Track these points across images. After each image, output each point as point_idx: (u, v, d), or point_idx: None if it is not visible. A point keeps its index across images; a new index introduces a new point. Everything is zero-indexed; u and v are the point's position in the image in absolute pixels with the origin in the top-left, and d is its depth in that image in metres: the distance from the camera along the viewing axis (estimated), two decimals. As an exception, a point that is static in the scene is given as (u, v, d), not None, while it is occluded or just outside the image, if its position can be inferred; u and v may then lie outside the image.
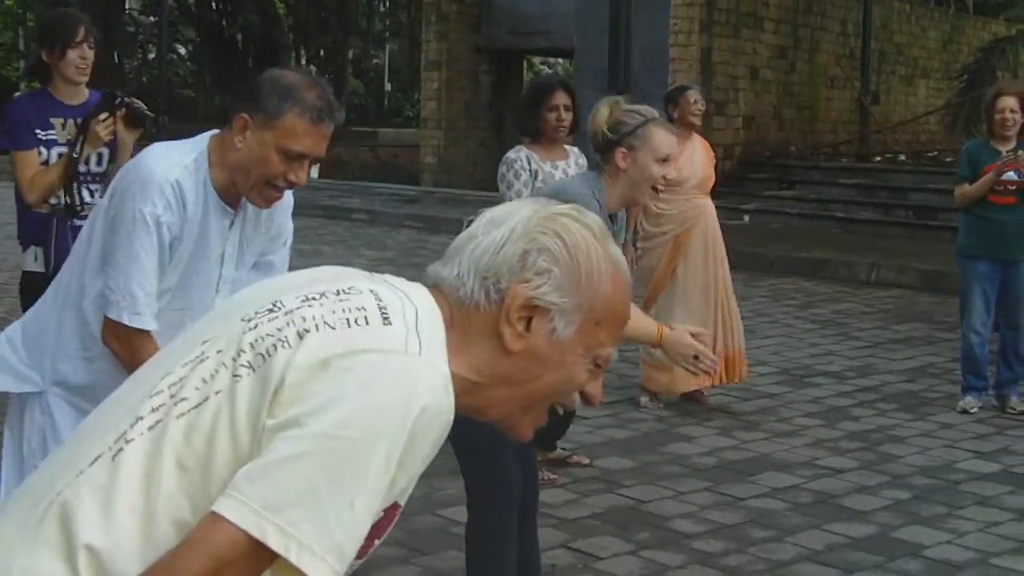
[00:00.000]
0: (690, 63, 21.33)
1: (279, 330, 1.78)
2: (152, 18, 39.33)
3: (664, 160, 4.39)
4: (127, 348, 3.62)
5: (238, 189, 3.62)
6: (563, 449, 7.07)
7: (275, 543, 1.64)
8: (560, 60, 37.75)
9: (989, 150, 8.43)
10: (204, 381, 1.77)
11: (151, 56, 41.11)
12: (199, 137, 3.75)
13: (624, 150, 4.39)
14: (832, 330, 11.60)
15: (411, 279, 1.97)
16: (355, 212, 21.07)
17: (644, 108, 4.52)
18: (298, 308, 1.81)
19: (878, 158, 23.54)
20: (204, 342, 1.84)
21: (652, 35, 21.73)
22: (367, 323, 1.77)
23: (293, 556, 1.64)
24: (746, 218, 19.17)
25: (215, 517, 1.66)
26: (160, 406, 1.78)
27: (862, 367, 9.93)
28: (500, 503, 4.39)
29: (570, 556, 5.71)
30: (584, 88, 18.24)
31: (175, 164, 3.63)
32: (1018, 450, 7.57)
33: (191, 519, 1.70)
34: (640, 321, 4.25)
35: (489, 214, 1.94)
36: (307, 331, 1.76)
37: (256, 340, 1.78)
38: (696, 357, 4.20)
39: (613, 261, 1.92)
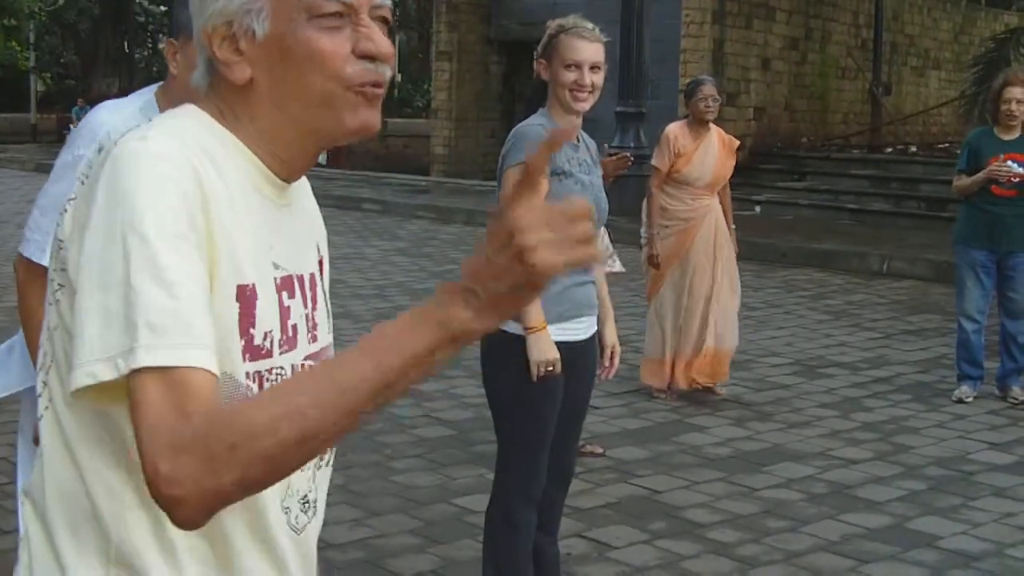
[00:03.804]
0: (702, 54, 21.33)
1: (59, 234, 1.75)
2: (162, 7, 39.35)
3: (572, 65, 4.39)
4: (31, 284, 3.59)
5: None
6: (577, 439, 7.07)
7: (135, 363, 1.56)
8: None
9: (992, 139, 8.41)
10: (48, 329, 1.76)
11: (161, 46, 41.10)
12: (145, 88, 3.81)
13: (544, 61, 4.50)
14: (845, 321, 11.58)
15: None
16: (366, 202, 21.06)
17: (567, 19, 4.54)
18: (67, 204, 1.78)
19: (889, 149, 23.51)
20: None
21: (664, 26, 21.69)
22: (102, 165, 1.72)
23: (141, 360, 1.56)
24: (758, 209, 19.15)
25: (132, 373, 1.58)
26: (45, 379, 1.77)
27: (875, 358, 9.91)
28: (521, 499, 4.42)
29: (585, 545, 5.71)
30: (596, 78, 18.21)
31: (115, 110, 3.71)
32: (1032, 441, 7.56)
33: (105, 434, 1.70)
34: (534, 304, 4.25)
35: None
36: (66, 210, 1.74)
37: (54, 261, 1.76)
38: (546, 373, 4.27)
39: None
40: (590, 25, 4.49)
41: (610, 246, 7.01)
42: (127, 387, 1.57)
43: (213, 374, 1.60)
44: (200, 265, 1.65)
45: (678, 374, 8.37)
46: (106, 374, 1.57)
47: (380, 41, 1.80)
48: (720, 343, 8.43)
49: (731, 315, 8.54)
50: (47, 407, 1.77)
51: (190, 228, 1.64)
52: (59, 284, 1.72)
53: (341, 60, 1.77)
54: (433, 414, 7.90)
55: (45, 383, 1.78)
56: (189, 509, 1.53)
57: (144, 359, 1.55)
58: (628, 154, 6.89)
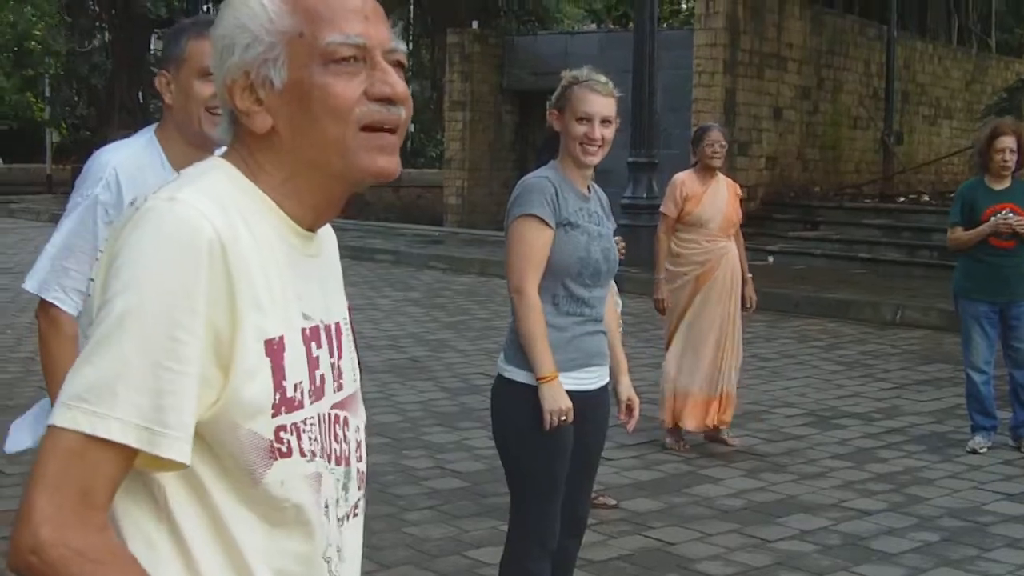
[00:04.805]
0: (713, 103, 21.40)
1: (90, 288, 1.79)
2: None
3: (583, 118, 4.45)
4: (47, 324, 3.68)
5: (192, 141, 3.66)
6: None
7: (87, 427, 1.63)
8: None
9: (985, 190, 8.42)
10: None
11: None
12: (145, 128, 3.92)
13: (556, 111, 4.55)
14: (858, 371, 11.56)
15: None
16: (379, 253, 21.11)
17: (582, 71, 4.58)
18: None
19: (902, 198, 23.54)
20: None
21: (675, 76, 21.79)
22: (128, 220, 1.76)
23: (116, 435, 1.64)
24: (770, 259, 19.16)
25: (49, 427, 1.67)
26: None
27: (889, 408, 9.89)
28: (535, 548, 4.43)
29: (598, 598, 5.70)
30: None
31: (118, 149, 3.81)
32: (1047, 492, 7.52)
33: (135, 480, 1.74)
34: (545, 354, 4.32)
35: None
36: (97, 259, 1.78)
37: (85, 315, 1.79)
38: (559, 422, 4.32)
39: None
40: (603, 79, 4.53)
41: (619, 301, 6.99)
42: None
43: (129, 450, 1.66)
44: (182, 351, 1.68)
45: (687, 415, 8.36)
46: (59, 420, 1.65)
47: (395, 83, 1.85)
48: (731, 387, 8.45)
49: (738, 358, 8.59)
50: None
51: (201, 312, 1.69)
52: (86, 337, 1.75)
53: (352, 103, 1.81)
54: (446, 466, 7.90)
55: None
56: (19, 569, 1.64)
57: (88, 425, 1.64)
58: (623, 245, 6.65)
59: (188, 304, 1.68)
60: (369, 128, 1.82)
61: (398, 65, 1.88)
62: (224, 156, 1.89)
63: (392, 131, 1.85)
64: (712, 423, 8.41)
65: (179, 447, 1.67)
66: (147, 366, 1.65)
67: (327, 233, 2.03)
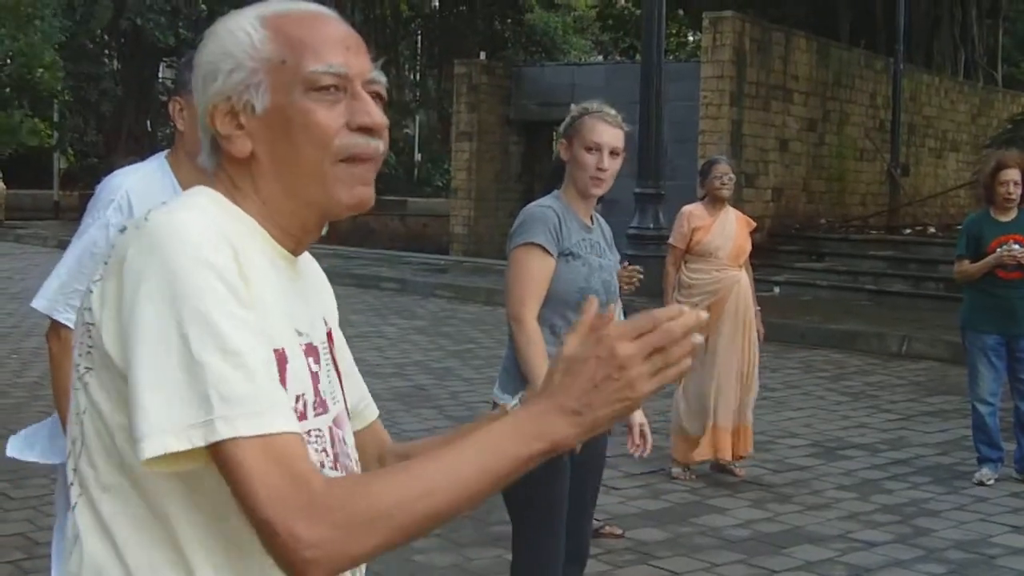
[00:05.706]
0: (720, 135, 21.45)
1: (87, 316, 1.75)
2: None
3: (592, 148, 4.47)
4: (60, 346, 3.73)
5: (201, 168, 3.69)
6: (596, 520, 7.04)
7: (214, 436, 1.60)
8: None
9: (991, 223, 8.45)
10: (76, 413, 1.77)
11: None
12: (157, 154, 3.98)
13: (565, 142, 4.59)
14: (864, 402, 11.55)
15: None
16: (385, 281, 21.13)
17: (592, 103, 4.62)
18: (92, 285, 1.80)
19: (908, 230, 23.56)
20: None
21: (682, 107, 21.84)
22: (130, 242, 1.72)
23: (221, 432, 1.60)
24: (776, 290, 19.17)
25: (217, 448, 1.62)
26: (76, 465, 1.78)
27: (894, 440, 9.88)
28: (541, 572, 4.43)
29: (604, 627, 5.68)
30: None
31: (130, 172, 3.87)
32: (1054, 525, 7.50)
33: (145, 512, 1.71)
34: (542, 368, 4.30)
35: None
36: (91, 291, 1.75)
37: (79, 346, 1.76)
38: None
39: (257, 11, 1.88)
40: (613, 112, 4.57)
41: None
42: (215, 459, 1.61)
43: (297, 434, 1.66)
44: (255, 332, 1.67)
45: (720, 447, 8.36)
46: (176, 446, 1.60)
47: (375, 113, 1.86)
48: (744, 419, 8.46)
49: (754, 391, 8.59)
50: (80, 494, 1.76)
51: (238, 296, 1.68)
52: (86, 367, 1.73)
53: (333, 132, 1.82)
54: (451, 494, 7.87)
55: (75, 470, 1.78)
56: (322, 570, 1.61)
57: (223, 431, 1.59)
58: (639, 269, 6.63)
59: (236, 292, 1.68)
60: (347, 160, 1.84)
61: (377, 97, 1.89)
62: (222, 189, 1.89)
63: (369, 159, 1.87)
64: (726, 457, 8.41)
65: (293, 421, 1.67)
66: (249, 359, 1.63)
67: (308, 260, 2.05)
